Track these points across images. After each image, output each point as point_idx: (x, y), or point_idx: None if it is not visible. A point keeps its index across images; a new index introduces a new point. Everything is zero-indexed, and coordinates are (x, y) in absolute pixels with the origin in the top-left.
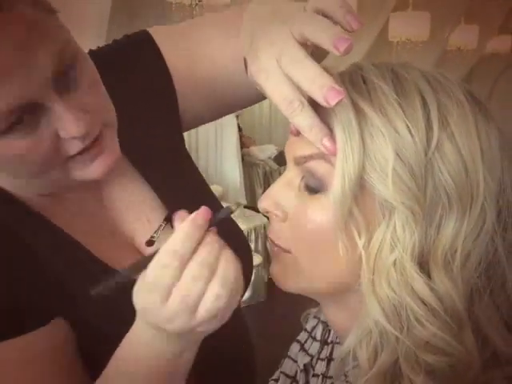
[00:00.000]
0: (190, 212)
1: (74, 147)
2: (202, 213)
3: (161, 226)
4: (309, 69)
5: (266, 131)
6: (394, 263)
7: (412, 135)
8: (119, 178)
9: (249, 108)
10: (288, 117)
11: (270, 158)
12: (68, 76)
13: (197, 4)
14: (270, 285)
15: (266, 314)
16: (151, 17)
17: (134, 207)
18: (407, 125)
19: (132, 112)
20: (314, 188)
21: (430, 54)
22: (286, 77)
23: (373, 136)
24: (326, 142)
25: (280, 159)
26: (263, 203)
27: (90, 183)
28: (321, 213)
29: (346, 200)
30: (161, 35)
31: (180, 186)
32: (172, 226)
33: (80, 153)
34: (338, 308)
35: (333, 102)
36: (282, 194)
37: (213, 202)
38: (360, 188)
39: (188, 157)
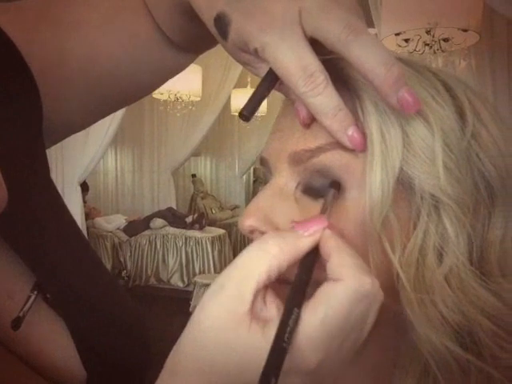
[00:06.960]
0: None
1: None
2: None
3: (29, 297)
4: (367, 39)
5: (113, 200)
6: (448, 271)
7: (450, 119)
8: None
9: (93, 175)
10: (304, 96)
11: (118, 228)
12: None
13: None
14: None
15: None
16: None
17: None
18: (443, 107)
19: None
20: (320, 191)
21: (269, 126)
22: (307, 40)
23: (409, 121)
24: (354, 132)
25: (130, 230)
26: (248, 221)
27: None
28: (339, 222)
29: (386, 201)
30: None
31: (50, 241)
32: (44, 297)
33: None
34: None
35: (410, 111)
36: (272, 207)
37: (86, 249)
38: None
39: (53, 188)
